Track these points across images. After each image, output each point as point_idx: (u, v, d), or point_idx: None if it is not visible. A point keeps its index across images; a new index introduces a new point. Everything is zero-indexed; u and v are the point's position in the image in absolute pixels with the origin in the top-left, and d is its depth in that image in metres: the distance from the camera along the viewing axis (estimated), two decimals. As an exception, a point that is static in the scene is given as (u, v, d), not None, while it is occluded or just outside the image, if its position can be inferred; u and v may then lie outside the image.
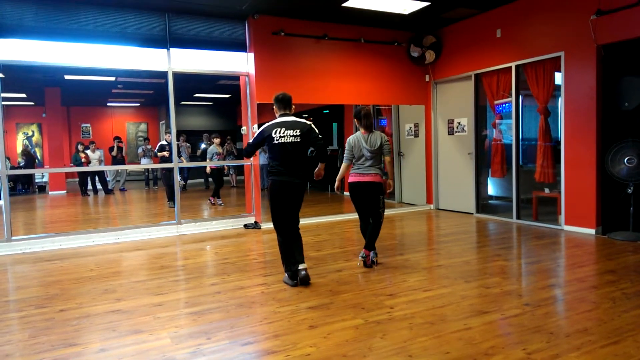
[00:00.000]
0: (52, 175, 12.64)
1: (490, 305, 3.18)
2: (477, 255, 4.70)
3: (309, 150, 3.84)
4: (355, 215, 4.71)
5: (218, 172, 8.92)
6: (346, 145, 4.30)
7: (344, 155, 4.32)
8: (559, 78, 5.85)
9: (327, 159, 3.93)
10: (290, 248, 3.80)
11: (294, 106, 3.94)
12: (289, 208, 3.82)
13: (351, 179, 4.28)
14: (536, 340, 2.61)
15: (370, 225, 4.28)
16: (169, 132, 8.28)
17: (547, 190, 6.24)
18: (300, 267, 3.74)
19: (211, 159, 8.69)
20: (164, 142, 8.60)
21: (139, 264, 4.81)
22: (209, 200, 9.10)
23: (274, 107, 3.93)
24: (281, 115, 3.86)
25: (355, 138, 4.27)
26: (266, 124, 3.86)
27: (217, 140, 8.79)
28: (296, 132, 3.74)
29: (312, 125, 3.82)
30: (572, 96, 5.64)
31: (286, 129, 3.74)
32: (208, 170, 8.97)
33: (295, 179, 3.77)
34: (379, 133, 4.28)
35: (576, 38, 5.51)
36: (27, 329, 3.00)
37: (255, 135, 3.93)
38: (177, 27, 6.25)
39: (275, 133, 3.75)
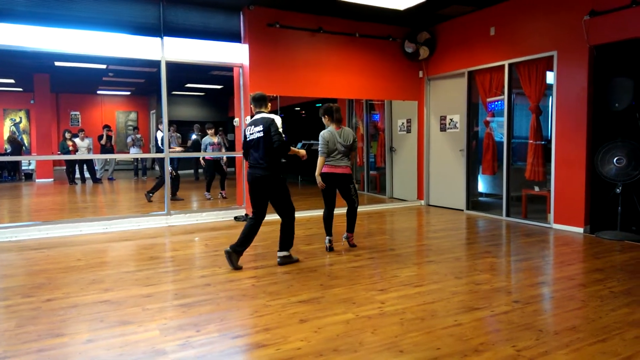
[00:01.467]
0: (39, 163, 12.44)
1: (480, 302, 3.20)
2: (467, 252, 4.73)
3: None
4: (345, 210, 4.75)
5: (213, 163, 8.69)
6: (321, 140, 4.54)
7: (320, 149, 4.55)
8: (551, 77, 5.89)
9: (285, 152, 4.05)
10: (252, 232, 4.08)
11: (269, 104, 4.19)
12: (262, 199, 4.09)
13: (325, 169, 4.57)
14: (525, 337, 2.63)
15: (348, 211, 4.72)
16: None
17: (536, 189, 6.29)
18: (279, 254, 4.18)
19: (205, 150, 8.51)
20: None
21: (128, 254, 4.76)
22: (205, 194, 8.70)
23: (251, 105, 4.24)
24: (255, 114, 4.12)
25: (330, 133, 4.56)
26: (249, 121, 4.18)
27: (210, 131, 8.59)
28: (259, 127, 3.99)
29: (275, 120, 3.97)
30: (563, 95, 5.68)
31: (254, 127, 4.03)
32: (202, 162, 8.81)
33: (259, 172, 3.99)
34: (349, 129, 4.66)
35: (569, 38, 5.54)
36: (13, 318, 2.95)
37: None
38: (171, 15, 6.16)
39: (247, 131, 4.10)
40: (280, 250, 4.16)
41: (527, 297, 3.32)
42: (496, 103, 6.73)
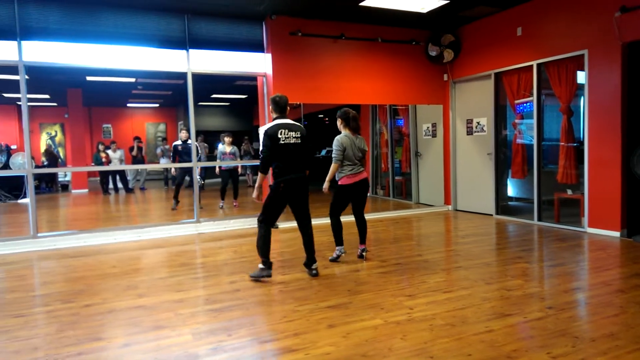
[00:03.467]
0: (75, 174, 12.91)
1: (512, 308, 3.14)
2: (497, 257, 4.64)
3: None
4: (373, 216, 4.74)
5: (226, 172, 8.37)
6: (338, 145, 4.38)
7: (335, 155, 4.39)
8: (582, 77, 5.74)
9: (310, 166, 4.14)
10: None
11: (289, 108, 4.15)
12: (298, 205, 4.05)
13: (349, 180, 4.42)
14: (561, 344, 2.56)
15: (359, 222, 4.60)
16: (184, 129, 8.28)
17: (569, 192, 6.12)
18: (314, 265, 4.10)
19: (220, 159, 8.32)
20: (179, 142, 8.40)
21: (160, 261, 4.88)
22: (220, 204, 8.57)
23: (271, 107, 4.09)
24: (279, 117, 4.03)
25: (348, 138, 4.43)
26: (268, 126, 3.98)
27: (227, 140, 8.32)
28: (297, 134, 3.96)
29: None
30: (596, 95, 5.53)
31: (289, 131, 3.93)
32: (217, 170, 8.47)
33: (301, 175, 4.00)
34: (361, 137, 4.54)
35: (600, 36, 5.39)
36: (54, 323, 3.07)
37: (263, 141, 3.99)
38: (196, 28, 6.33)
39: (280, 134, 3.90)
40: (314, 260, 4.09)
41: (562, 303, 3.23)
42: (525, 105, 6.61)
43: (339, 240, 4.54)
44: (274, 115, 4.05)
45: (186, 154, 7.96)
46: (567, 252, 4.77)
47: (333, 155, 4.39)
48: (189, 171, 8.00)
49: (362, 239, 4.60)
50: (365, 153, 4.54)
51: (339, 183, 4.45)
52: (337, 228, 4.53)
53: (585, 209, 5.70)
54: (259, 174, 3.95)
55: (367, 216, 4.88)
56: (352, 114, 4.49)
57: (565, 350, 2.49)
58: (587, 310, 3.17)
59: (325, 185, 4.47)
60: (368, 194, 4.68)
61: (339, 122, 4.56)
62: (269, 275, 3.95)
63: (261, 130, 3.97)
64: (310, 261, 4.09)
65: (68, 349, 2.64)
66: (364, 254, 4.58)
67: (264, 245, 3.96)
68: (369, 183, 4.62)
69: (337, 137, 4.44)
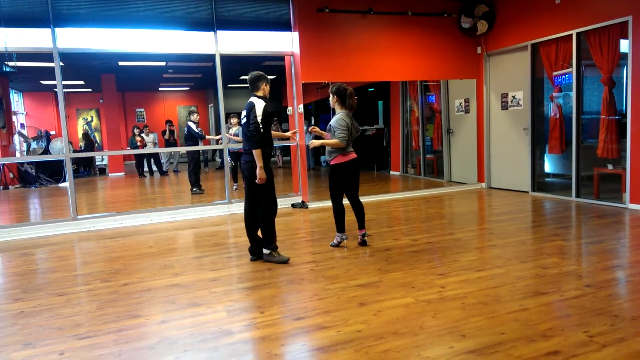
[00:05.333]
0: (111, 158, 13.34)
1: (547, 286, 3.06)
2: (533, 235, 4.52)
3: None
4: (403, 195, 4.65)
5: (232, 155, 8.05)
6: (344, 125, 4.05)
7: (342, 135, 4.04)
8: (625, 45, 5.41)
9: (253, 145, 3.71)
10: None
11: (262, 84, 3.86)
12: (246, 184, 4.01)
13: (343, 158, 4.13)
14: (599, 323, 2.49)
15: (356, 206, 4.32)
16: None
17: (610, 167, 5.86)
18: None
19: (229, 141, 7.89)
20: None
21: (194, 241, 5.01)
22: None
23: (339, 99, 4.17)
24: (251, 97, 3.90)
25: (349, 118, 4.16)
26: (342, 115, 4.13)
27: (234, 121, 8.16)
28: (243, 113, 3.86)
29: (256, 105, 3.73)
30: (640, 64, 5.21)
31: (243, 112, 3.86)
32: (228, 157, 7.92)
33: (244, 156, 3.90)
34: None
35: (647, 0, 5.05)
36: (95, 301, 3.21)
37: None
38: (223, 9, 6.31)
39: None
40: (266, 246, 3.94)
41: (600, 281, 3.13)
42: (563, 77, 6.31)
43: (341, 227, 4.29)
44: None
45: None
46: (606, 229, 4.59)
47: (340, 136, 4.04)
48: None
49: (361, 224, 4.32)
50: (359, 134, 4.32)
51: (332, 163, 4.17)
52: (339, 214, 4.27)
53: (627, 184, 5.45)
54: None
55: (399, 195, 4.82)
56: (349, 90, 4.17)
57: (603, 329, 2.41)
58: (627, 289, 3.05)
59: (317, 143, 4.14)
60: (398, 173, 4.55)
61: (333, 100, 4.21)
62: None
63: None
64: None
65: (109, 326, 2.76)
66: (365, 239, 4.31)
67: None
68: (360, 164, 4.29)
69: (340, 117, 4.10)
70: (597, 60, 5.76)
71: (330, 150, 4.18)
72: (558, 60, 6.28)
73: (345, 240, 4.37)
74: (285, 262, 3.87)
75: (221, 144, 6.84)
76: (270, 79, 3.99)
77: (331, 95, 4.24)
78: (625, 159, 5.47)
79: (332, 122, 4.15)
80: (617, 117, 5.72)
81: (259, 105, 3.75)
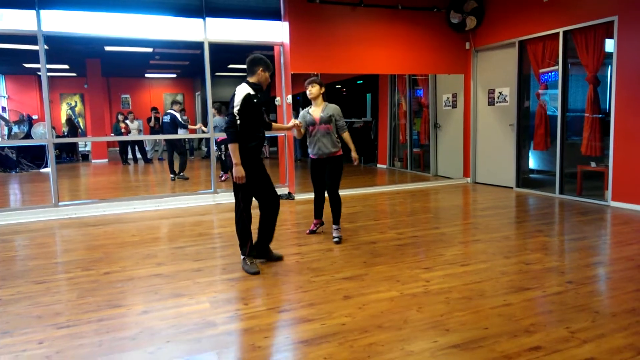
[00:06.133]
0: (95, 144, 13.09)
1: (530, 282, 3.09)
2: (517, 231, 4.57)
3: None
4: (390, 188, 4.67)
5: (219, 144, 8.21)
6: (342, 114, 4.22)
7: (345, 124, 4.26)
8: (610, 45, 5.47)
9: (228, 138, 3.34)
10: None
11: (259, 69, 3.43)
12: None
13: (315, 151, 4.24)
14: (580, 319, 2.52)
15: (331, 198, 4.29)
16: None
17: (593, 164, 5.95)
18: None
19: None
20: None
21: (178, 230, 4.95)
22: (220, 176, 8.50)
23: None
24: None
25: None
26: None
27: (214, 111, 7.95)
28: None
29: (237, 93, 3.33)
30: (625, 64, 5.28)
31: None
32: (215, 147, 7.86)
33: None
34: None
35: (631, 1, 5.10)
36: (75, 290, 3.15)
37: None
38: (212, -5, 6.20)
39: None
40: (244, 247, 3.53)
41: (582, 277, 3.17)
42: (550, 74, 6.36)
43: (319, 214, 4.44)
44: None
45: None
46: (588, 225, 4.67)
47: (344, 125, 4.23)
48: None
49: (334, 218, 4.26)
50: None
51: (340, 153, 4.21)
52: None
53: (610, 182, 5.54)
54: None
55: (385, 188, 4.83)
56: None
57: (584, 325, 2.45)
58: (608, 285, 3.10)
59: (355, 154, 4.26)
60: (385, 166, 4.56)
61: (319, 90, 4.14)
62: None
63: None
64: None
65: (89, 315, 2.71)
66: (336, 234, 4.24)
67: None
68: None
69: (336, 106, 4.20)
70: (582, 58, 5.81)
71: (336, 141, 4.17)
72: (545, 57, 6.33)
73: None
74: (254, 273, 3.37)
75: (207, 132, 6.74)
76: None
77: (317, 86, 4.12)
78: (608, 157, 5.56)
79: (330, 111, 4.14)
80: (601, 116, 5.79)
81: (240, 93, 3.32)
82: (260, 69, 3.43)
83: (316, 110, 4.17)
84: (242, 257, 3.53)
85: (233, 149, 3.31)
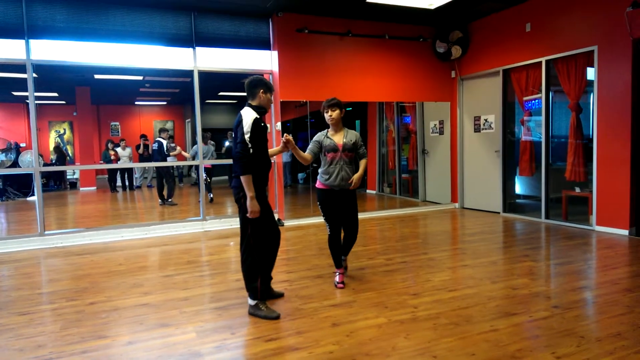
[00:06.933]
0: (83, 172, 13.01)
1: (517, 307, 3.11)
2: (504, 256, 4.60)
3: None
4: (379, 214, 4.68)
5: (207, 171, 8.95)
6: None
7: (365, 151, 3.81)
8: (591, 73, 5.67)
9: (240, 170, 2.97)
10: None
11: (260, 91, 3.16)
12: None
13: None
14: (566, 344, 2.53)
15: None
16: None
17: (577, 190, 6.05)
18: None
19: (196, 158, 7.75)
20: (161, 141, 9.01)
21: (166, 258, 4.90)
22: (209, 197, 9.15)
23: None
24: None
25: None
26: None
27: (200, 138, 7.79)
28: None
29: (244, 118, 3.01)
30: (605, 92, 5.45)
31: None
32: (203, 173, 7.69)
33: (233, 180, 3.15)
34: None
35: (610, 32, 5.32)
36: (59, 320, 3.09)
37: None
38: (202, 25, 6.33)
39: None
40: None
41: (568, 302, 3.20)
42: (533, 102, 6.53)
43: (338, 262, 3.80)
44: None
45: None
46: (574, 250, 4.72)
47: (366, 152, 3.79)
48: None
49: (345, 250, 3.88)
50: None
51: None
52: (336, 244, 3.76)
53: (594, 206, 5.63)
54: None
55: (374, 214, 4.86)
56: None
57: (570, 350, 2.46)
58: (593, 310, 3.13)
59: (358, 178, 3.67)
60: (374, 192, 4.50)
61: (339, 114, 3.66)
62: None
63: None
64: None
65: (72, 347, 2.66)
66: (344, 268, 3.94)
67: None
68: None
69: (356, 132, 3.75)
70: (565, 86, 6.00)
71: (353, 171, 3.70)
72: (528, 85, 6.51)
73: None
74: (276, 318, 3.03)
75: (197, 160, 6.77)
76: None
77: (337, 110, 3.64)
78: (592, 182, 5.67)
79: (354, 138, 3.68)
80: (584, 142, 5.93)
81: (247, 117, 2.99)
82: (261, 90, 3.17)
83: (337, 136, 3.67)
84: (251, 302, 3.13)
85: (247, 182, 2.96)
